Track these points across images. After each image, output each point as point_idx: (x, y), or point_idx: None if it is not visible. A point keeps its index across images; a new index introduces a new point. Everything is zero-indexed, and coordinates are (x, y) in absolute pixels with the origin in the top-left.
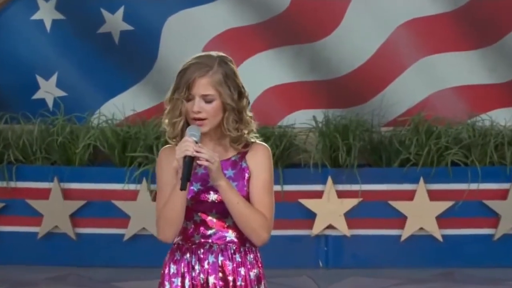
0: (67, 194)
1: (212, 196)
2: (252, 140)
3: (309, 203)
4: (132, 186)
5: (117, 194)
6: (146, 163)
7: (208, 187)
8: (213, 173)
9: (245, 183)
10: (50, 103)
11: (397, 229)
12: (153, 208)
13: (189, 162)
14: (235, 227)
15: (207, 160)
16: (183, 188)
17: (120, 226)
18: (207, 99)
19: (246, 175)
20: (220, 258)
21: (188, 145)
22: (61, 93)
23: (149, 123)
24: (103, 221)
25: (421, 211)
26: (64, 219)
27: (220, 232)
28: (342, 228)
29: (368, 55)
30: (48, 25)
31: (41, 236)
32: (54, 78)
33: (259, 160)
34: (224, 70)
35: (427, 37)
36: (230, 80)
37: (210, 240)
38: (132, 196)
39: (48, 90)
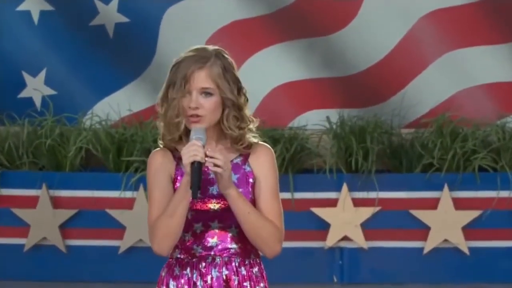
0: (57, 203)
1: (214, 205)
2: (253, 140)
3: (322, 212)
4: (128, 194)
5: (112, 203)
6: (143, 168)
7: (209, 195)
8: (224, 180)
9: (250, 189)
10: (38, 102)
11: (419, 241)
12: None
13: (198, 168)
14: (239, 238)
15: (219, 167)
16: (194, 197)
17: (115, 238)
18: (206, 92)
19: (251, 180)
20: (225, 272)
21: (196, 149)
22: (50, 91)
23: (146, 125)
24: (96, 232)
25: (446, 221)
26: (53, 230)
27: (223, 244)
28: (359, 240)
29: (387, 50)
30: (35, 16)
31: (28, 249)
32: (42, 75)
33: (264, 164)
34: (222, 63)
35: (452, 29)
36: (229, 74)
37: (212, 253)
38: (128, 204)
39: (36, 88)
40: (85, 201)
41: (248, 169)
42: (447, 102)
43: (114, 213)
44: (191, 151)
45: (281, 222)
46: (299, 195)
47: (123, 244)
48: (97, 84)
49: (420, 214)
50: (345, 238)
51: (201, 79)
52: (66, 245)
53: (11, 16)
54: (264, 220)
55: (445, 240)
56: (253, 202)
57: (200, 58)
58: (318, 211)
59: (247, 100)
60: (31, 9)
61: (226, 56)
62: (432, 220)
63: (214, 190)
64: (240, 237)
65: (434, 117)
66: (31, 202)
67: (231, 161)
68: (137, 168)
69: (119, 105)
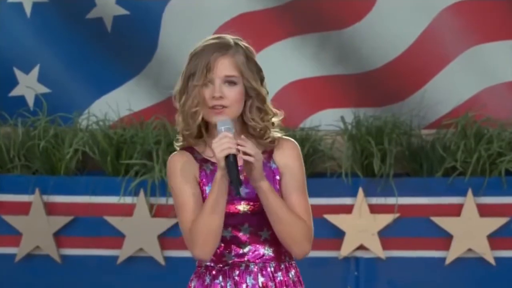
0: (51, 209)
1: (244, 207)
2: (277, 135)
3: (337, 220)
4: (127, 199)
5: (110, 209)
6: (144, 172)
7: (237, 197)
8: (256, 172)
9: (277, 186)
10: (30, 101)
11: (441, 251)
12: (152, 225)
13: (234, 161)
14: (272, 241)
15: (251, 155)
16: (238, 193)
17: (113, 247)
18: (230, 81)
19: (277, 177)
20: (261, 279)
21: (229, 141)
22: (44, 89)
23: (147, 125)
24: (93, 240)
25: (470, 229)
26: (47, 238)
27: (255, 248)
28: (376, 249)
29: (406, 45)
30: (28, 8)
31: (19, 258)
32: (35, 72)
33: (290, 159)
34: (244, 51)
35: (476, 23)
36: (252, 62)
37: (245, 259)
38: (127, 211)
39: (28, 85)
40: (81, 207)
41: (273, 166)
42: (470, 101)
43: (113, 220)
44: (224, 144)
45: (310, 220)
46: (311, 200)
47: (122, 254)
48: (94, 82)
49: (442, 222)
50: (361, 247)
51: (225, 66)
52: (60, 254)
53: (1, 8)
54: (295, 216)
55: (469, 250)
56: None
57: (222, 45)
58: (332, 218)
59: (267, 92)
60: (23, 1)
61: (246, 44)
62: (455, 228)
63: (242, 191)
64: (273, 240)
65: (456, 117)
66: (23, 209)
67: None
68: (137, 172)
69: (118, 104)
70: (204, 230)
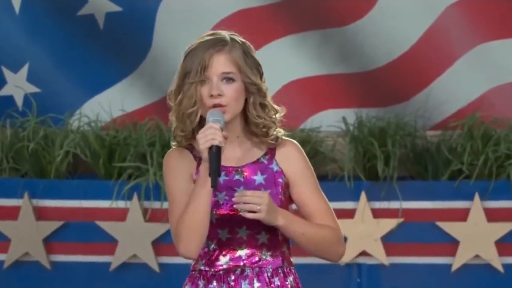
0: (41, 214)
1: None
2: (279, 133)
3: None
4: (120, 204)
5: (102, 214)
6: (137, 175)
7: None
8: (266, 217)
9: (280, 190)
10: (19, 101)
11: (447, 257)
12: (146, 230)
13: (217, 153)
14: (269, 245)
15: (253, 212)
16: (214, 185)
17: (106, 253)
18: (228, 77)
19: (280, 180)
20: (256, 284)
21: (214, 133)
22: (33, 89)
23: (141, 126)
24: (84, 246)
25: (477, 235)
26: (36, 244)
27: (252, 253)
28: (379, 255)
29: (410, 42)
30: (16, 5)
31: (8, 265)
32: (24, 71)
33: (296, 165)
34: (241, 46)
35: (483, 19)
36: (250, 58)
37: (241, 263)
38: (120, 215)
39: (17, 85)
40: (72, 211)
41: (276, 168)
42: (478, 101)
43: (105, 225)
44: (208, 135)
45: (335, 219)
46: None
47: (115, 260)
48: (86, 81)
49: (448, 227)
50: (364, 253)
51: (221, 63)
52: (50, 261)
53: None
54: (320, 231)
55: (476, 256)
56: (284, 203)
57: (218, 41)
58: None
59: (267, 88)
60: None
61: (243, 40)
62: (461, 233)
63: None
64: (272, 243)
65: (463, 117)
66: (12, 213)
67: (258, 160)
68: (131, 175)
69: (110, 104)
70: (187, 228)
